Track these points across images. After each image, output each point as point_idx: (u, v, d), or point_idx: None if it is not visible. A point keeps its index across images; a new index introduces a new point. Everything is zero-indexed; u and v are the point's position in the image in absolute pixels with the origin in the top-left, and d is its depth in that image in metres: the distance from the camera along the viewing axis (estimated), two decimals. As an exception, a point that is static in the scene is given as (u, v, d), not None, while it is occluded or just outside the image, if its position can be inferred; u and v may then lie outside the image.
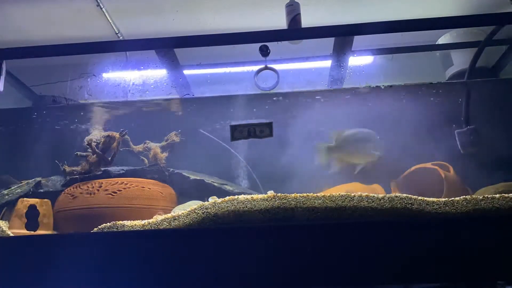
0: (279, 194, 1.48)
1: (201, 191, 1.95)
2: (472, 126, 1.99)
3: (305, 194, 1.48)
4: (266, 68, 1.89)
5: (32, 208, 1.73)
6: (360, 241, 1.37)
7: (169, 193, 1.90)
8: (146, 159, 2.06)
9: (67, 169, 1.94)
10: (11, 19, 2.15)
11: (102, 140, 1.97)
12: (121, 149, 2.02)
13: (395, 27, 1.80)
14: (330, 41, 2.15)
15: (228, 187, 1.98)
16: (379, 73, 2.28)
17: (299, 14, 1.85)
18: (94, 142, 1.94)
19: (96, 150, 1.93)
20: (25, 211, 1.71)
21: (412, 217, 1.44)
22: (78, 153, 1.98)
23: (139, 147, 2.06)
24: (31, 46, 1.84)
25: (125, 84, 2.38)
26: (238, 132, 1.70)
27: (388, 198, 1.46)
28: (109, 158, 1.96)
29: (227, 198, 1.50)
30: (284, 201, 1.46)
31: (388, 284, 1.39)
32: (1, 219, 1.74)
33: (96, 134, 2.03)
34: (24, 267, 1.42)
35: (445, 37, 2.37)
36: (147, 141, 2.07)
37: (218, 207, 1.47)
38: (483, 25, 2.07)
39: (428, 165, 1.91)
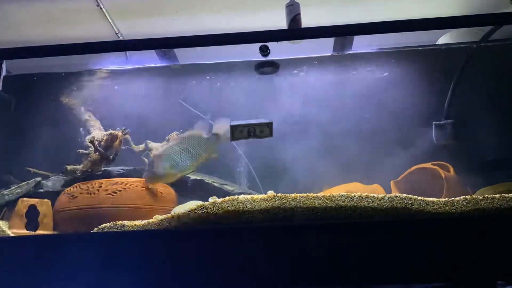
0: (279, 194, 1.48)
1: (201, 191, 1.95)
2: (451, 120, 2.05)
3: (305, 194, 1.49)
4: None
5: (32, 208, 1.73)
6: (360, 241, 1.37)
7: (169, 193, 1.90)
8: (147, 160, 2.06)
9: (69, 167, 1.94)
10: (11, 19, 2.15)
11: (104, 139, 1.97)
12: (122, 148, 2.02)
13: (395, 27, 1.80)
14: (330, 41, 2.15)
15: (228, 187, 1.99)
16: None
17: (299, 14, 1.85)
18: (96, 140, 1.94)
19: (98, 148, 1.93)
20: (25, 211, 1.71)
21: (412, 217, 1.44)
22: (80, 151, 1.98)
23: (140, 147, 2.06)
24: (31, 46, 1.84)
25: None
26: (238, 132, 1.70)
27: (388, 198, 1.46)
28: (111, 157, 1.96)
29: (227, 198, 1.50)
30: (284, 201, 1.46)
31: (388, 284, 1.39)
32: (1, 219, 1.74)
33: (98, 133, 2.04)
34: (24, 267, 1.42)
35: (445, 37, 2.36)
36: (148, 141, 2.07)
37: (218, 207, 1.47)
38: (483, 25, 2.07)
39: (428, 165, 1.92)
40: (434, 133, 2.06)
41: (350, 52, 2.14)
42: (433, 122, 2.07)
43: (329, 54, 2.17)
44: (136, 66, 2.29)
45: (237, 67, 2.25)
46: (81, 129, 2.10)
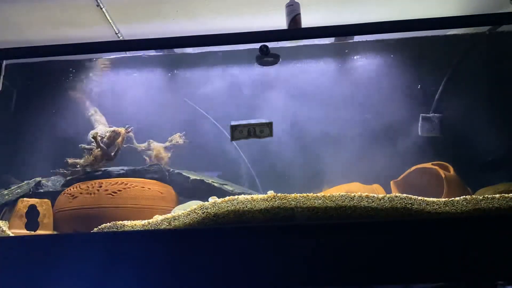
0: (279, 194, 1.48)
1: (201, 191, 1.95)
2: (438, 114, 2.11)
3: (305, 194, 1.48)
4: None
5: (32, 208, 1.73)
6: (360, 241, 1.37)
7: (169, 193, 1.90)
8: (148, 159, 2.06)
9: (70, 161, 1.95)
10: (11, 19, 2.15)
11: (107, 135, 1.97)
12: (124, 145, 2.03)
13: (395, 27, 1.80)
14: (330, 40, 2.16)
15: (228, 187, 1.99)
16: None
17: (299, 14, 1.85)
18: (99, 136, 1.94)
19: (101, 144, 1.94)
20: (25, 211, 1.71)
21: (412, 217, 1.44)
22: (83, 145, 1.99)
23: (142, 146, 2.06)
24: (31, 46, 1.84)
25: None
26: (238, 132, 1.70)
27: (388, 198, 1.46)
28: (113, 154, 1.97)
29: (227, 198, 1.50)
30: (284, 201, 1.46)
31: (388, 284, 1.39)
32: (1, 219, 1.74)
33: (102, 128, 2.04)
34: (24, 267, 1.42)
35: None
36: (151, 140, 2.08)
37: (218, 207, 1.47)
38: (483, 25, 2.07)
39: (428, 165, 1.92)
40: (420, 124, 2.12)
41: (350, 41, 2.16)
42: (421, 114, 2.14)
43: (329, 42, 2.19)
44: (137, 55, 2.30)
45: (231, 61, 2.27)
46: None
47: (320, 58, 2.31)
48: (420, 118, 2.13)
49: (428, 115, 2.12)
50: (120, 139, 1.98)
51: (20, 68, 2.29)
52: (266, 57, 1.83)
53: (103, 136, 1.97)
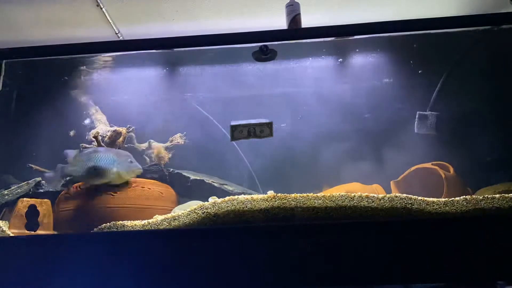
0: (279, 194, 1.48)
1: (201, 191, 1.95)
2: (435, 112, 2.08)
3: (305, 194, 1.49)
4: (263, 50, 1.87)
5: (32, 208, 1.73)
6: (360, 241, 1.37)
7: (169, 193, 1.90)
8: (148, 159, 2.06)
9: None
10: (11, 19, 2.15)
11: (108, 135, 1.97)
12: (125, 145, 2.03)
13: (395, 28, 1.80)
14: (330, 38, 2.15)
15: (228, 187, 1.99)
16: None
17: (299, 14, 1.85)
18: (100, 135, 1.94)
19: (101, 144, 1.94)
20: (25, 211, 1.71)
21: (412, 217, 1.44)
22: (83, 145, 1.99)
23: (143, 146, 2.06)
24: (31, 46, 1.84)
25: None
26: (238, 132, 1.70)
27: (388, 198, 1.46)
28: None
29: (227, 198, 1.50)
30: (284, 201, 1.46)
31: (389, 284, 1.39)
32: (1, 219, 1.74)
33: (103, 128, 2.04)
34: (24, 267, 1.42)
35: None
36: (151, 140, 2.08)
37: (218, 207, 1.47)
38: (483, 25, 2.07)
39: (428, 165, 1.92)
40: (416, 122, 2.09)
41: (349, 38, 2.14)
42: (417, 112, 2.11)
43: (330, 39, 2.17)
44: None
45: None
46: (86, 121, 2.11)
47: (319, 56, 2.30)
48: (417, 116, 2.11)
49: (425, 113, 2.10)
50: (121, 138, 1.98)
51: (20, 67, 2.28)
52: (263, 54, 1.83)
53: (104, 135, 1.97)
